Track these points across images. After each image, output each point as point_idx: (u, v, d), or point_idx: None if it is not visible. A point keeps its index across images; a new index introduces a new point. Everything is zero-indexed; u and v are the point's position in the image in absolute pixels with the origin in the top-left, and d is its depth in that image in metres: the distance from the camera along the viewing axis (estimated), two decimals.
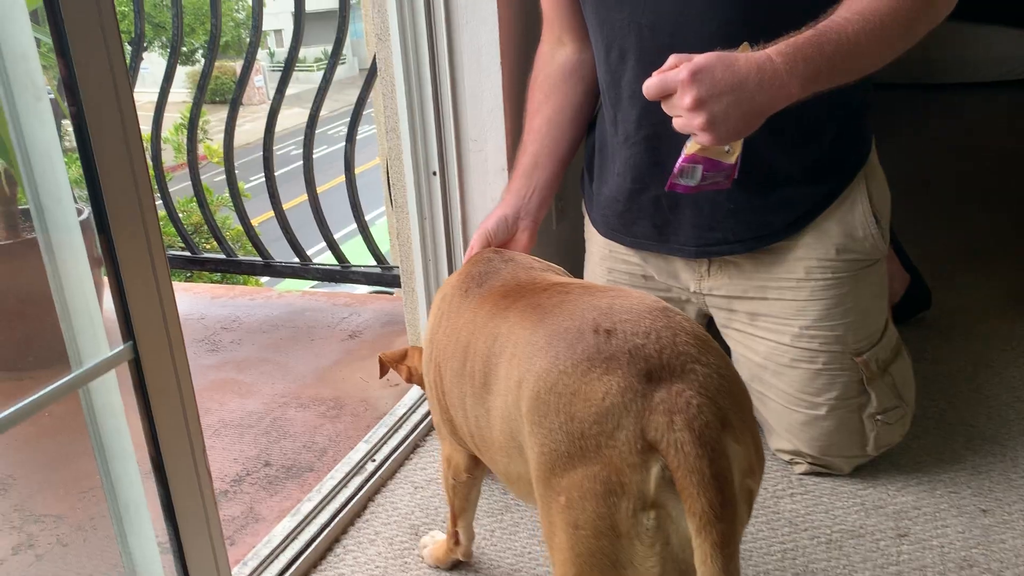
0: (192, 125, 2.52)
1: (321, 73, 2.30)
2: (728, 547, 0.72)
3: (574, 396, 0.78)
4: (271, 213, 2.41)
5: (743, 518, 0.79)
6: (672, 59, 1.04)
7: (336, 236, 2.40)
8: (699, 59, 1.02)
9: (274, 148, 2.39)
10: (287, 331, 2.26)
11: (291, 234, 2.41)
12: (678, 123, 1.05)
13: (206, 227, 2.68)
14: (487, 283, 1.05)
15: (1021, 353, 1.74)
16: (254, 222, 2.53)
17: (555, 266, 1.14)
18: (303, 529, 1.32)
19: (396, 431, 1.58)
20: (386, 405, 1.78)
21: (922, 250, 1.96)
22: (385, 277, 2.33)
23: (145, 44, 2.47)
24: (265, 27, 2.61)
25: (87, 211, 0.87)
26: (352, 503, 1.39)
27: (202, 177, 2.61)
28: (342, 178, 2.36)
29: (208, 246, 4.99)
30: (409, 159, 1.59)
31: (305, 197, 2.36)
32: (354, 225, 2.35)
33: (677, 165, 1.09)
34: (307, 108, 2.29)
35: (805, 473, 1.42)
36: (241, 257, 2.62)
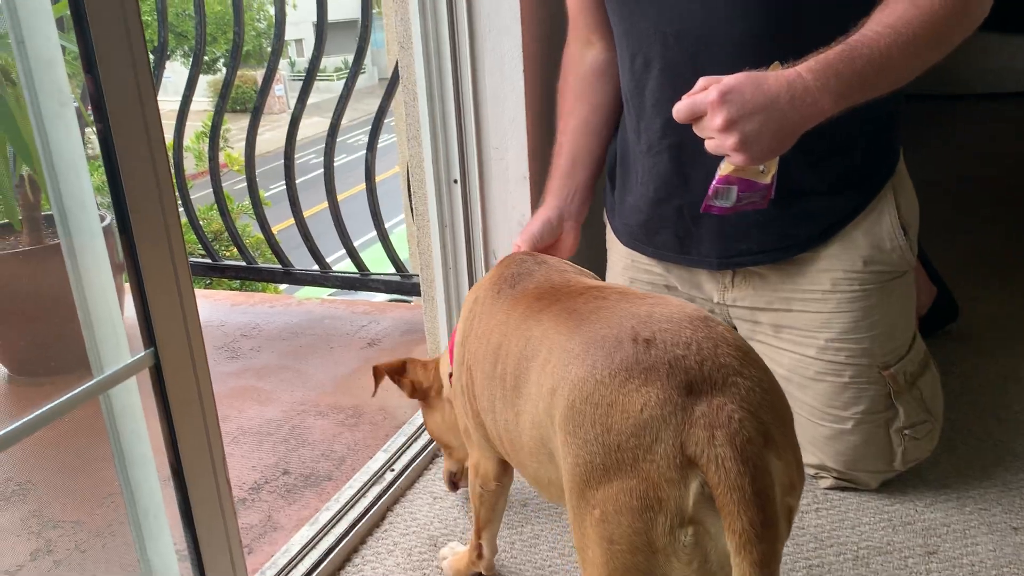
0: (214, 133, 2.53)
1: (341, 83, 2.31)
2: (768, 567, 0.70)
3: (611, 407, 0.77)
4: (291, 221, 2.42)
5: (783, 536, 0.76)
6: (701, 81, 1.04)
7: (356, 244, 2.41)
8: (728, 79, 1.01)
9: (294, 156, 2.40)
10: (306, 339, 2.26)
11: (311, 242, 2.41)
12: (710, 145, 1.04)
13: (227, 234, 2.69)
14: (519, 285, 1.03)
15: None
16: (274, 230, 2.54)
17: (586, 270, 1.12)
18: (321, 538, 1.31)
19: (415, 440, 1.57)
20: (405, 414, 1.77)
21: (949, 262, 1.93)
22: (404, 285, 2.33)
23: (168, 53, 2.49)
24: (287, 37, 2.62)
25: (109, 218, 0.87)
26: (371, 513, 1.38)
27: (223, 185, 2.62)
28: (362, 186, 2.36)
29: (228, 253, 5.02)
30: (430, 167, 1.59)
31: (325, 205, 2.36)
32: (374, 233, 2.35)
33: (712, 187, 1.08)
34: (327, 117, 2.29)
35: (831, 488, 1.39)
36: (261, 264, 2.63)
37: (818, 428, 1.35)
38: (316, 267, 2.46)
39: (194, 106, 2.55)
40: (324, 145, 2.36)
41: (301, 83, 2.34)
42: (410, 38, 1.53)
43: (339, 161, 2.46)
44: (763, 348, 1.39)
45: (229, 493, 1.03)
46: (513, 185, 1.57)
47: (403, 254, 2.46)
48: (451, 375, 1.18)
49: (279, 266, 2.52)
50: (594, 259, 1.60)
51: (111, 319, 0.92)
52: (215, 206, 2.61)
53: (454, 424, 1.24)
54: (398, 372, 1.30)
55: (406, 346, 2.17)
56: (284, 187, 2.42)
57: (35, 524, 1.58)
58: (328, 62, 21.52)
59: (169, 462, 0.97)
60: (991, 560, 1.22)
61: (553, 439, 0.84)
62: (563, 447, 0.81)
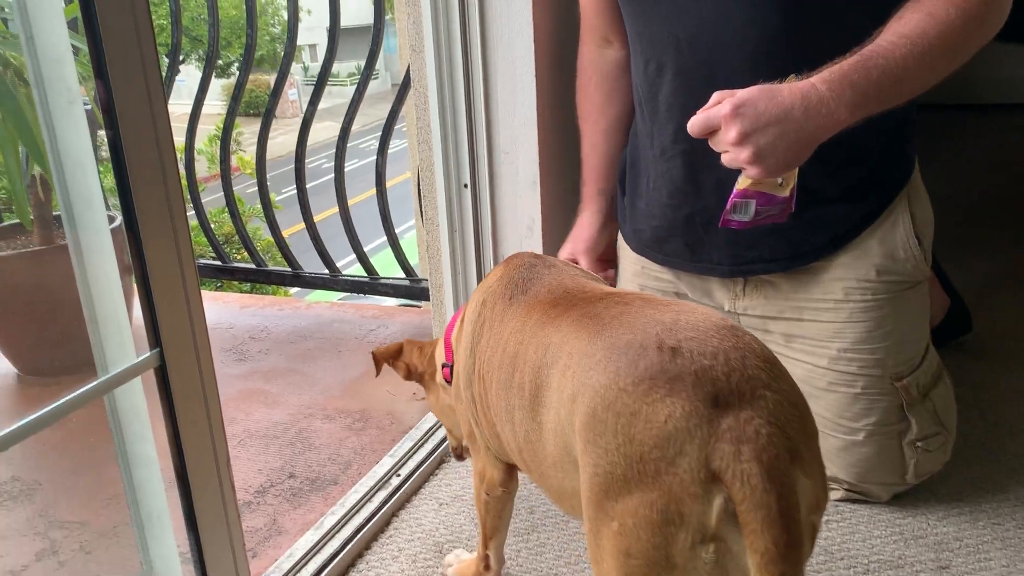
0: (225, 136, 2.54)
1: (353, 88, 2.32)
2: None
3: (634, 417, 0.74)
4: (302, 225, 2.42)
5: (807, 556, 0.74)
6: (715, 95, 1.03)
7: (366, 248, 2.41)
8: (741, 93, 1.00)
9: (306, 161, 2.40)
10: (315, 342, 2.26)
11: (321, 245, 2.41)
12: (726, 158, 1.03)
13: (237, 237, 2.70)
14: (532, 289, 1.00)
15: None
16: (285, 233, 2.54)
17: (597, 276, 1.11)
18: (326, 543, 1.31)
19: (422, 445, 1.56)
20: (412, 419, 1.77)
21: (962, 272, 1.91)
22: (414, 290, 2.33)
23: (182, 56, 2.50)
24: (300, 42, 2.63)
25: (119, 219, 0.87)
26: (376, 518, 1.37)
27: (234, 188, 2.64)
28: (372, 191, 2.36)
29: (239, 256, 5.03)
30: (440, 171, 1.58)
31: (336, 209, 2.37)
32: (384, 238, 2.35)
33: (729, 201, 1.07)
34: (339, 122, 2.30)
35: (841, 500, 1.38)
36: (271, 267, 2.63)
37: (829, 439, 1.33)
38: (326, 271, 2.47)
39: (208, 110, 2.56)
40: (335, 149, 2.36)
41: (314, 87, 2.35)
42: (422, 42, 1.53)
43: (350, 166, 2.47)
44: None
45: (233, 496, 1.03)
46: (523, 189, 1.56)
47: (413, 259, 2.46)
48: (445, 367, 1.16)
49: (289, 269, 2.52)
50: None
51: (117, 318, 0.92)
52: (227, 209, 2.62)
53: (449, 407, 1.22)
54: (394, 356, 1.27)
55: None
56: (295, 191, 2.42)
57: (41, 524, 1.58)
58: (341, 67, 21.62)
59: (174, 464, 0.96)
60: None
61: (575, 447, 0.81)
62: (582, 455, 0.78)
